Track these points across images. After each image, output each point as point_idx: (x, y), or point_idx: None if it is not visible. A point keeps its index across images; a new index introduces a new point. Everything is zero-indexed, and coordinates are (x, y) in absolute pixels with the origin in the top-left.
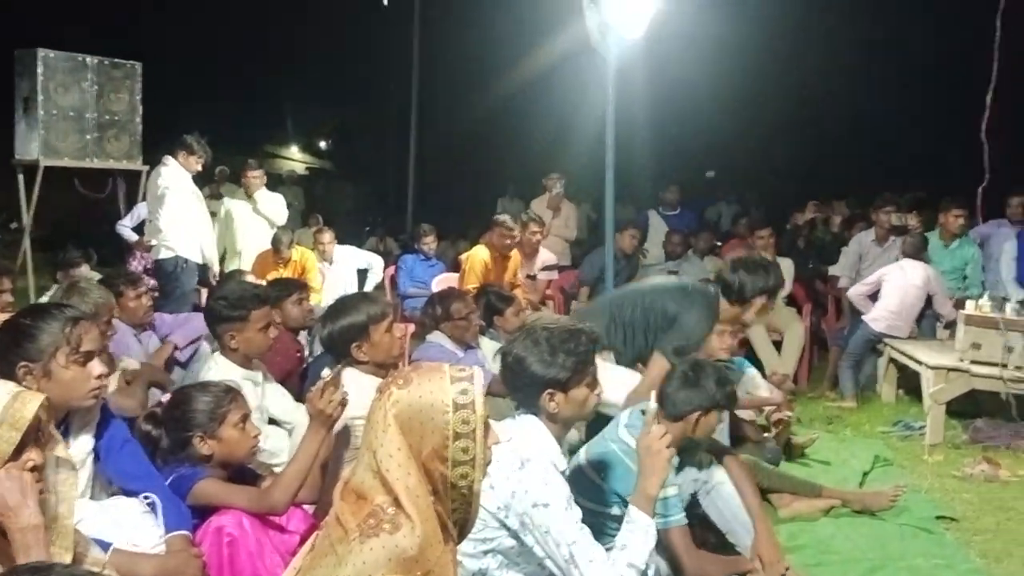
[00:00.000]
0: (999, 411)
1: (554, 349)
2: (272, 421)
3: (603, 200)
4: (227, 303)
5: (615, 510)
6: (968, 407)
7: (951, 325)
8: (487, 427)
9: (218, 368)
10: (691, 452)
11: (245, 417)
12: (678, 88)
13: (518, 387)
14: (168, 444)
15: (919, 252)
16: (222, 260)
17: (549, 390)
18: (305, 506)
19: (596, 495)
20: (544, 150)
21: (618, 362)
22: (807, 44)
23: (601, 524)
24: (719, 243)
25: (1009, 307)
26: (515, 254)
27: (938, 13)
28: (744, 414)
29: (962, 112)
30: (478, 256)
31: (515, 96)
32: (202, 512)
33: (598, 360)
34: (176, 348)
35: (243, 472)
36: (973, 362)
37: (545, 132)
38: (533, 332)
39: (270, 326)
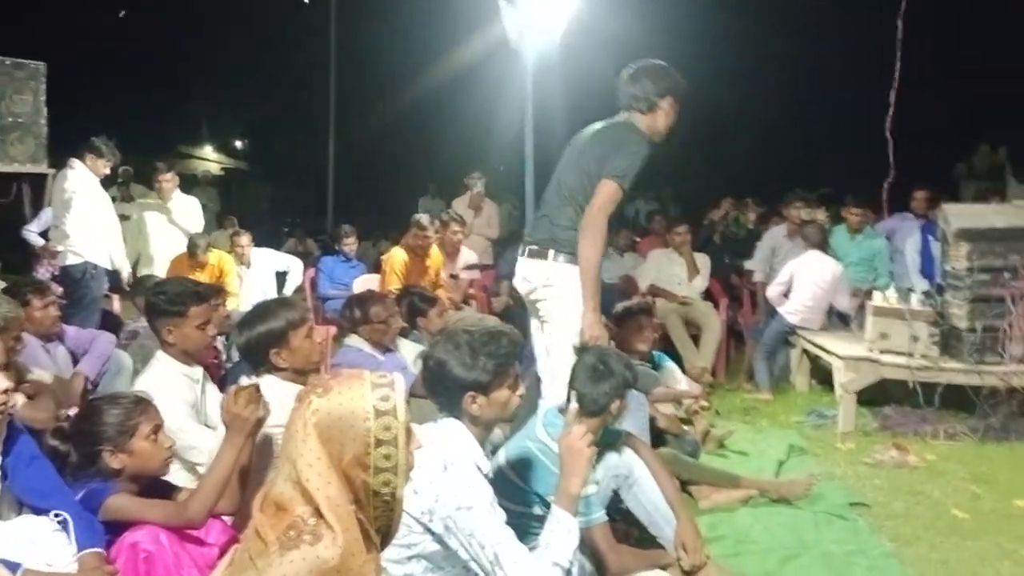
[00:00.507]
0: (907, 399)
1: (475, 352)
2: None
3: (524, 198)
4: (167, 298)
5: (537, 510)
6: (878, 396)
7: (845, 317)
8: (409, 433)
9: (160, 364)
10: (611, 445)
11: (157, 429)
12: (596, 87)
13: (440, 391)
14: (77, 459)
15: (819, 242)
16: (135, 266)
17: (471, 393)
18: (225, 517)
19: (517, 496)
20: (465, 149)
21: None
22: (721, 45)
23: (524, 524)
24: (637, 239)
25: (914, 298)
26: (436, 254)
27: (845, 15)
28: (663, 407)
29: (869, 111)
30: (397, 257)
31: (436, 95)
32: (116, 528)
33: None
34: (87, 380)
35: (158, 485)
36: (882, 352)
37: (466, 131)
38: (454, 335)
39: (208, 323)
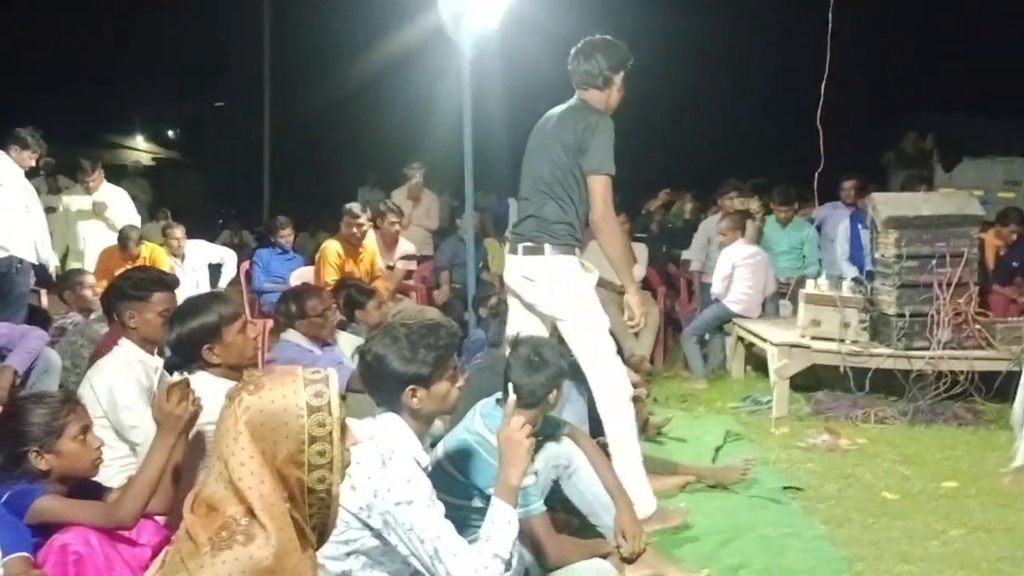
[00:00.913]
0: (838, 384)
1: (414, 345)
2: None
3: (463, 188)
4: (131, 283)
5: (476, 503)
6: (810, 381)
7: (773, 304)
8: (344, 429)
9: (122, 350)
10: (551, 436)
11: (86, 429)
12: (535, 77)
13: (378, 385)
14: (2, 460)
15: (739, 229)
16: (63, 259)
17: (411, 386)
18: (157, 517)
19: (457, 489)
20: (405, 139)
21: None
22: (659, 36)
23: (464, 517)
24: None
25: (845, 285)
26: (370, 243)
27: (778, 7)
28: None
29: (800, 101)
30: (331, 248)
31: (373, 84)
32: (44, 530)
33: None
34: (16, 374)
35: (88, 485)
36: (813, 338)
37: (405, 120)
38: (392, 329)
39: (168, 311)
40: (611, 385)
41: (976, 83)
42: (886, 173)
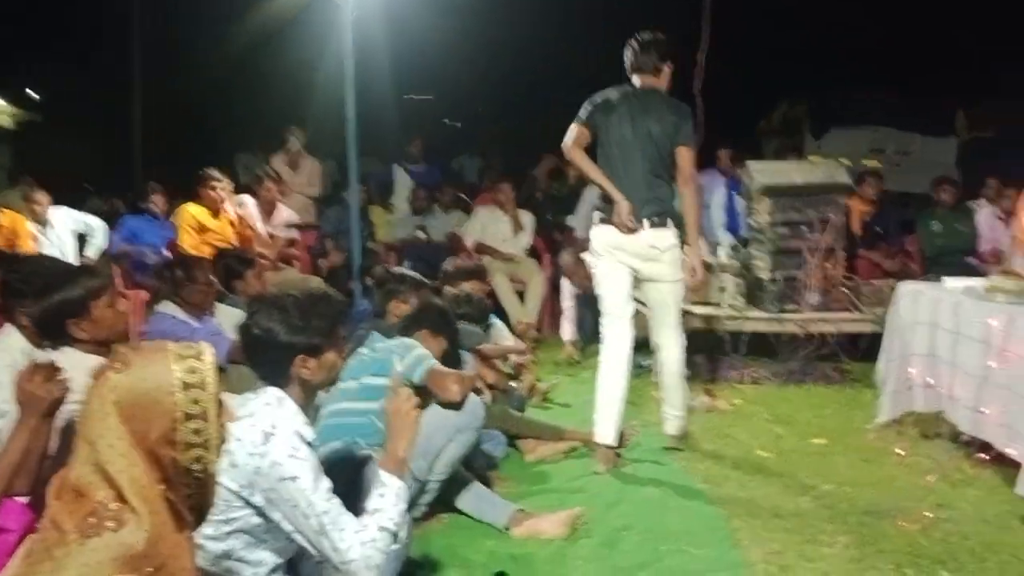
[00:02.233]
0: (716, 347)
1: (305, 313)
2: None
3: (347, 155)
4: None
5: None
6: (690, 345)
7: None
8: (221, 405)
9: (8, 338)
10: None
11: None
12: (420, 39)
13: (264, 358)
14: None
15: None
16: None
17: (301, 356)
18: (22, 499)
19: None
20: (287, 102)
21: None
22: (546, 3)
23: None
24: (464, 196)
25: (721, 252)
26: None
27: None
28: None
29: (679, 70)
30: (187, 212)
31: (252, 45)
32: None
33: None
34: None
35: None
36: (693, 303)
37: (287, 83)
38: (278, 299)
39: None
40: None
41: (846, 54)
42: (760, 142)
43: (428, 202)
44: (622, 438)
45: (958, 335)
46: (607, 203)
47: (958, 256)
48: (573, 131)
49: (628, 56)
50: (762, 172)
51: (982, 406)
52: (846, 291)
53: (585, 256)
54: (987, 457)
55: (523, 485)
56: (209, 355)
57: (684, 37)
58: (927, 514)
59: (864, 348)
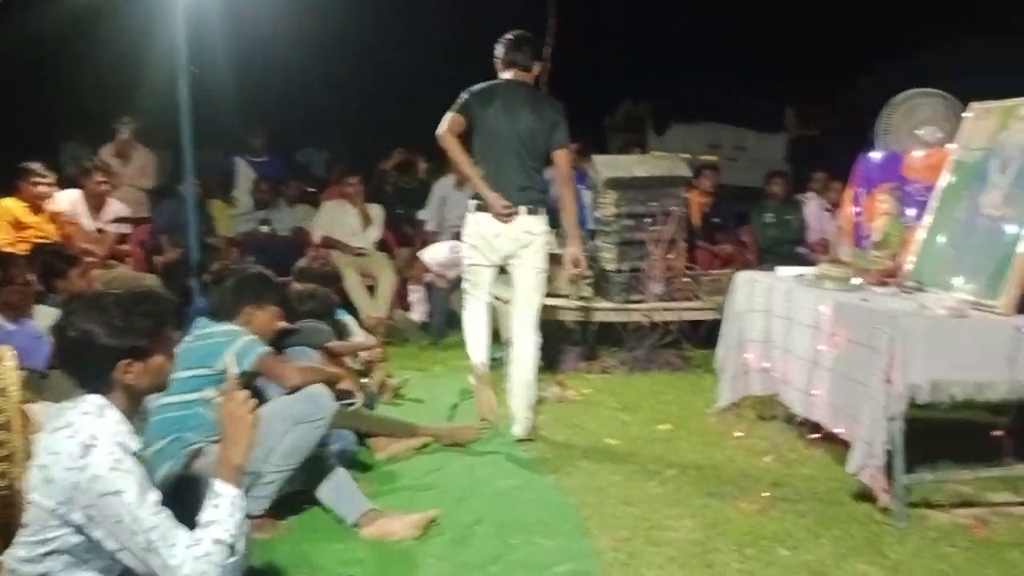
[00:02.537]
0: (567, 337)
1: (128, 313)
2: None
3: (181, 146)
4: None
5: None
6: (543, 335)
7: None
8: (26, 416)
9: None
10: None
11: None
12: (261, 26)
13: (82, 364)
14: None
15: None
16: None
17: (126, 360)
18: None
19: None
20: (117, 89)
21: None
22: None
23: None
24: (311, 189)
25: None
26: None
27: None
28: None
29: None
30: (2, 207)
31: (80, 28)
32: None
33: None
34: None
35: None
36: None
37: (117, 69)
38: (97, 299)
39: None
40: (536, 324)
41: (686, 55)
42: (606, 138)
43: (272, 195)
44: (472, 430)
45: (790, 321)
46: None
47: (789, 246)
48: (448, 118)
49: (501, 52)
50: (607, 166)
51: (813, 388)
52: (687, 280)
53: (433, 249)
54: (819, 437)
55: (373, 484)
56: (10, 360)
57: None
58: (765, 494)
59: (704, 335)
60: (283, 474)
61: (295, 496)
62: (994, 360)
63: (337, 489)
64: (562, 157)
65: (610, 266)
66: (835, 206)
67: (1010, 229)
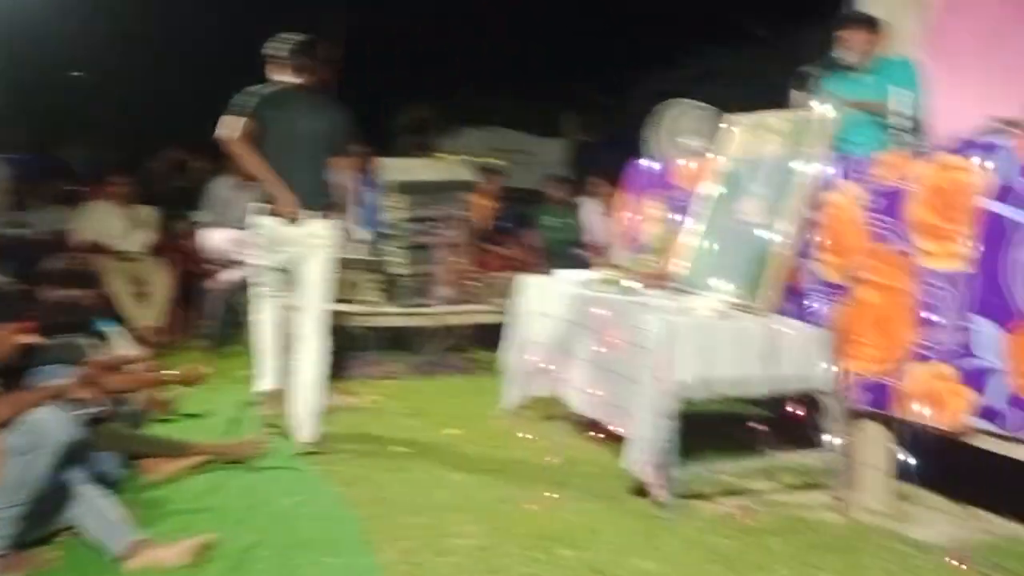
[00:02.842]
0: (356, 344)
1: None
2: None
3: None
4: None
5: None
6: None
7: None
8: None
9: None
10: None
11: None
12: (23, 20)
13: None
14: None
15: None
16: None
17: None
18: None
19: None
20: None
21: None
22: None
23: None
24: (73, 189)
25: (359, 248)
26: None
27: None
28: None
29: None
30: None
31: None
32: None
33: None
34: None
35: None
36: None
37: None
38: None
39: None
40: (324, 328)
41: (472, 60)
42: (394, 140)
43: (29, 196)
44: (253, 446)
45: (570, 323)
46: (269, 194)
47: (569, 248)
48: (236, 122)
49: (284, 54)
50: (394, 169)
51: (592, 388)
52: (474, 284)
53: (211, 235)
54: (600, 435)
55: (142, 510)
56: None
57: (317, 31)
58: (548, 494)
59: (491, 338)
60: (14, 510)
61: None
62: (752, 357)
63: (98, 518)
64: (346, 162)
65: (398, 270)
66: (611, 210)
67: (765, 234)
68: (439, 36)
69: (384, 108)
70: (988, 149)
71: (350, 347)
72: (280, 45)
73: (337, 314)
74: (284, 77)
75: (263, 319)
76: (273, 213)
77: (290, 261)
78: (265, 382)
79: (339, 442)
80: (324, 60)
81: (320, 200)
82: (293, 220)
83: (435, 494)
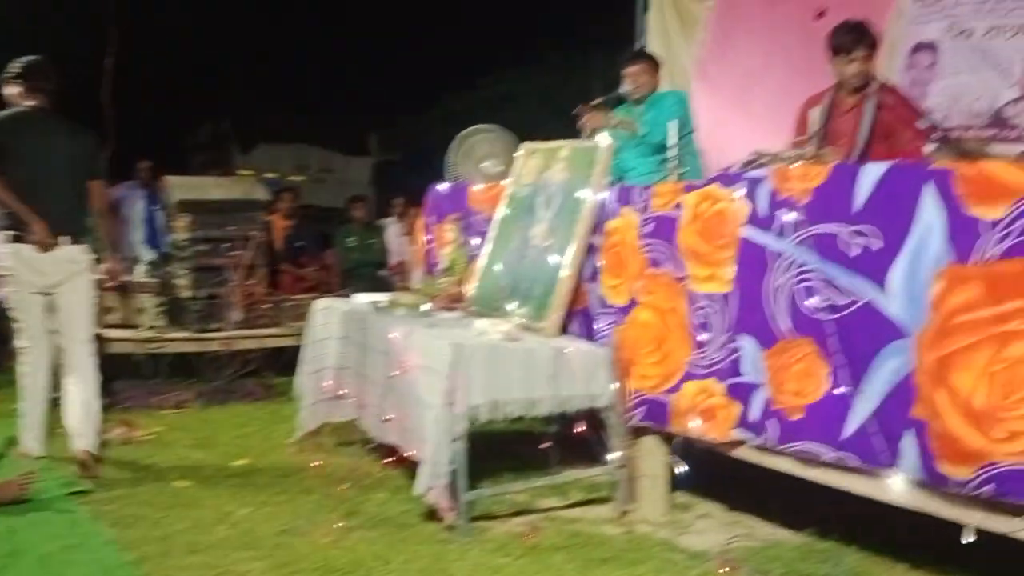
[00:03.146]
0: (136, 371)
1: None
2: None
3: None
4: None
5: None
6: (105, 371)
7: None
8: None
9: None
10: None
11: None
12: None
13: None
14: None
15: None
16: None
17: None
18: None
19: None
20: None
21: None
22: None
23: None
24: None
25: (140, 269)
26: None
27: None
28: None
29: (88, 76)
30: None
31: None
32: None
33: None
34: None
35: None
36: (108, 326)
37: None
38: None
39: None
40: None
41: (270, 75)
42: (187, 157)
43: None
44: (15, 486)
45: (365, 347)
46: (19, 222)
47: (371, 269)
48: None
49: (22, 76)
50: (180, 187)
51: (386, 413)
52: (269, 307)
53: None
54: (394, 461)
55: None
56: None
57: (90, 41)
58: (338, 524)
59: (287, 362)
60: None
61: None
62: (540, 378)
63: None
64: (99, 188)
65: (184, 293)
66: (412, 232)
67: (553, 258)
68: (239, 52)
69: (177, 122)
70: (750, 181)
71: (133, 375)
72: (12, 68)
73: (118, 341)
74: (23, 100)
75: (27, 371)
76: (24, 240)
77: (49, 287)
78: (33, 445)
79: (114, 479)
80: (61, 81)
81: (74, 225)
82: (46, 248)
83: (217, 530)
